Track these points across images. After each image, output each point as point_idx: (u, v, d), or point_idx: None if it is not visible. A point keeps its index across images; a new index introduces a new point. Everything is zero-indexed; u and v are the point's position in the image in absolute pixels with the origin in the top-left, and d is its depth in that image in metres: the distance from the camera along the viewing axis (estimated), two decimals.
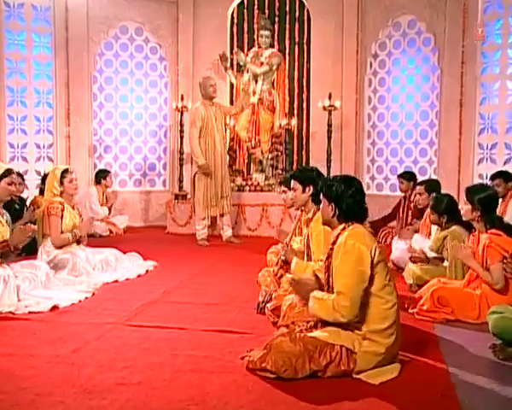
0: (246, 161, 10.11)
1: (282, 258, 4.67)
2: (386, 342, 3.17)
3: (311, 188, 4.50)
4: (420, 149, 9.45)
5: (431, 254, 5.28)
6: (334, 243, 3.28)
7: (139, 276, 5.99)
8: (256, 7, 10.39)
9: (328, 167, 9.02)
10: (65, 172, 5.95)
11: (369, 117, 9.93)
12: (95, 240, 8.22)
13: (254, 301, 4.59)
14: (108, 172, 9.50)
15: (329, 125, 8.97)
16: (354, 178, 3.44)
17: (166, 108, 10.46)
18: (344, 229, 3.28)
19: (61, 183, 5.87)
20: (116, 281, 5.73)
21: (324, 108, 8.97)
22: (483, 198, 4.35)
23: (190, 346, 3.72)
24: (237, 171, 9.76)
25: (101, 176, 9.33)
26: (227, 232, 8.40)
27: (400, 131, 9.64)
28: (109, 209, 9.38)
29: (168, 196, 9.74)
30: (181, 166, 9.55)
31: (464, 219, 4.58)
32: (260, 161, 9.64)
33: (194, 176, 8.28)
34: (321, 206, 3.47)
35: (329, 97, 8.91)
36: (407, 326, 4.10)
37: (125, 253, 6.50)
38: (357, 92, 9.82)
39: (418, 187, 6.32)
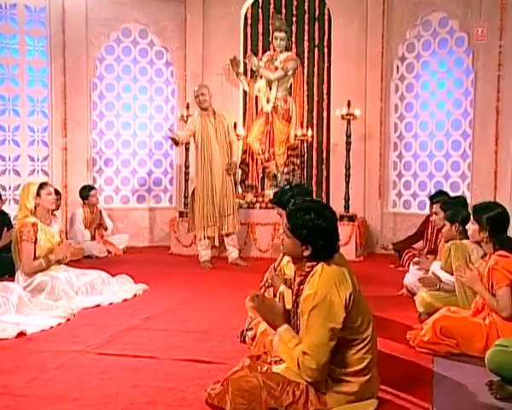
0: (260, 175, 10.15)
1: (270, 281, 4.64)
2: (360, 381, 3.13)
3: None
4: (452, 162, 9.33)
5: (445, 276, 5.20)
6: (301, 283, 3.19)
7: (125, 300, 6.07)
8: (272, 6, 10.46)
9: (347, 183, 8.99)
10: (43, 183, 6.09)
11: (396, 127, 9.87)
12: (89, 261, 8.39)
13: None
14: (91, 188, 9.48)
15: (348, 136, 8.94)
16: (327, 207, 3.27)
17: (173, 117, 10.56)
18: (312, 268, 3.15)
19: (38, 194, 5.96)
20: (98, 306, 5.83)
21: (343, 117, 8.95)
22: (492, 217, 4.27)
23: (156, 376, 3.75)
24: (250, 186, 9.80)
25: (83, 195, 9.35)
26: (232, 254, 8.44)
27: (430, 143, 9.55)
28: (104, 227, 9.48)
29: (175, 214, 9.80)
30: (186, 181, 9.64)
31: (471, 240, 4.51)
32: (275, 176, 9.66)
33: (193, 192, 8.37)
34: (283, 237, 3.29)
35: (348, 105, 8.89)
36: (402, 360, 4.07)
37: (114, 275, 6.59)
38: (382, 99, 9.78)
39: (434, 206, 6.25)
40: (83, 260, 8.49)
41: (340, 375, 3.11)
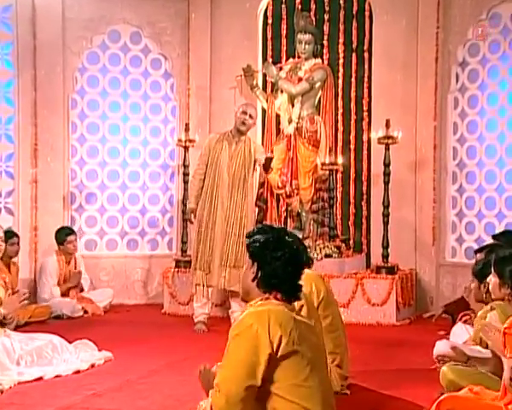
0: (284, 214, 10.14)
1: None
2: None
3: None
4: None
5: (474, 352, 5.06)
6: None
7: (77, 372, 6.09)
8: (298, 0, 10.48)
9: (386, 224, 8.91)
10: None
11: (455, 152, 9.75)
12: (58, 323, 8.49)
13: None
14: (69, 232, 9.56)
15: (386, 165, 8.90)
16: (289, 237, 3.49)
17: (174, 141, 10.57)
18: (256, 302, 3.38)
19: None
20: (40, 379, 5.84)
21: (379, 142, 8.91)
22: None
23: None
24: None
25: (59, 239, 9.44)
26: (236, 314, 8.35)
27: (499, 173, 9.41)
28: (80, 289, 9.56)
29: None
30: (184, 221, 9.63)
31: (493, 297, 4.40)
32: (299, 215, 9.63)
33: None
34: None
35: (386, 126, 8.83)
36: None
37: (71, 342, 6.59)
38: (437, 117, 9.71)
39: (478, 255, 6.11)
40: (50, 322, 8.58)
41: None
